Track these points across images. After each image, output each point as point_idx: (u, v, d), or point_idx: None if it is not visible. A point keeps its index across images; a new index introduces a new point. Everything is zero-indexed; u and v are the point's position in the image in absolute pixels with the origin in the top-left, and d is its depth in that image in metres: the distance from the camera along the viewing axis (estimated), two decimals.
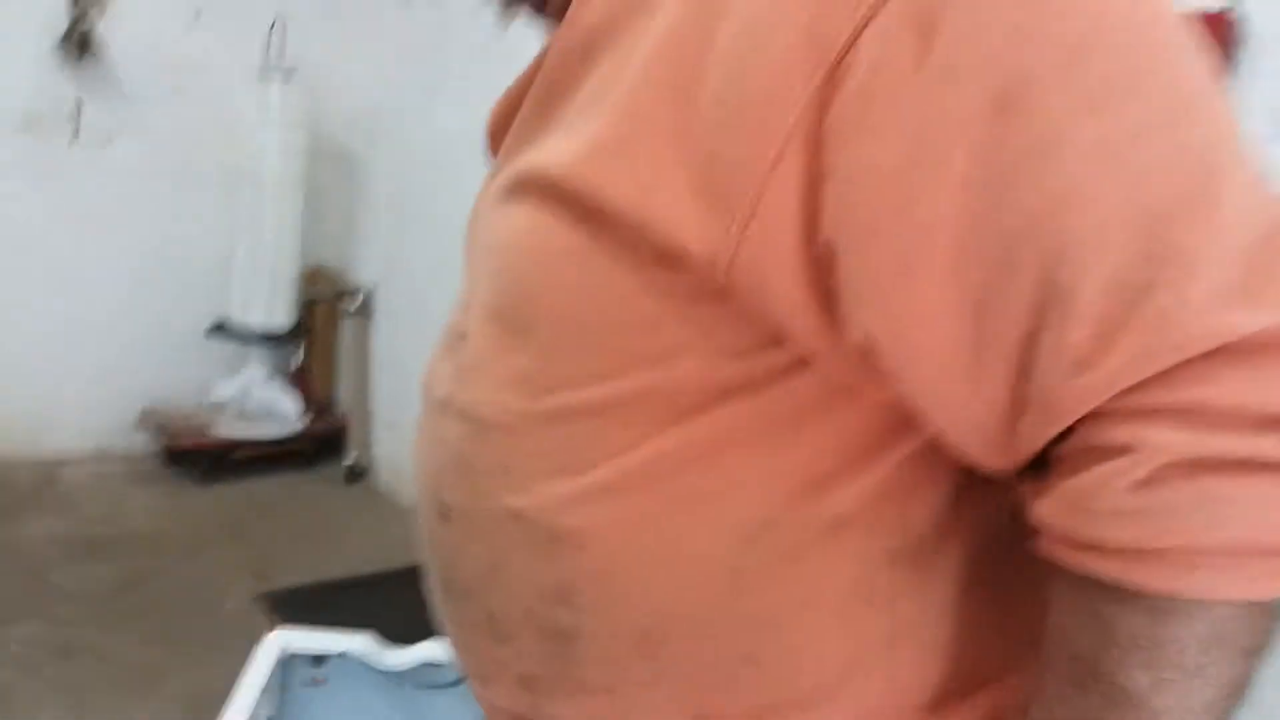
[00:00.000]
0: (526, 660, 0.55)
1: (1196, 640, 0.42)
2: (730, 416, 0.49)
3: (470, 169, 2.21)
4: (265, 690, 1.11)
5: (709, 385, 0.49)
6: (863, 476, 0.50)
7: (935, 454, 0.49)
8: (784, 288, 0.46)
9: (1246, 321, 0.39)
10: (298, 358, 3.48)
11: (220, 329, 3.22)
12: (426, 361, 0.64)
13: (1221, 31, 1.41)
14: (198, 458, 3.16)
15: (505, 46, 2.65)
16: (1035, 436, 0.43)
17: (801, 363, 0.48)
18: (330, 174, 3.35)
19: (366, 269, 3.47)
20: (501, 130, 0.62)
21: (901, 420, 0.49)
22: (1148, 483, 0.40)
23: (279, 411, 3.31)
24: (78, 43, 2.89)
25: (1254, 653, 0.43)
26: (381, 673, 1.17)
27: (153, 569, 2.63)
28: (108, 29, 2.96)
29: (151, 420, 3.22)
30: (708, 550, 0.50)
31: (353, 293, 3.41)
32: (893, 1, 0.42)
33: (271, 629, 1.21)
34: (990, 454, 0.46)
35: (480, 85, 2.56)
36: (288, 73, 3.08)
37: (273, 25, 3.09)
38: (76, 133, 2.98)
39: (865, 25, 0.42)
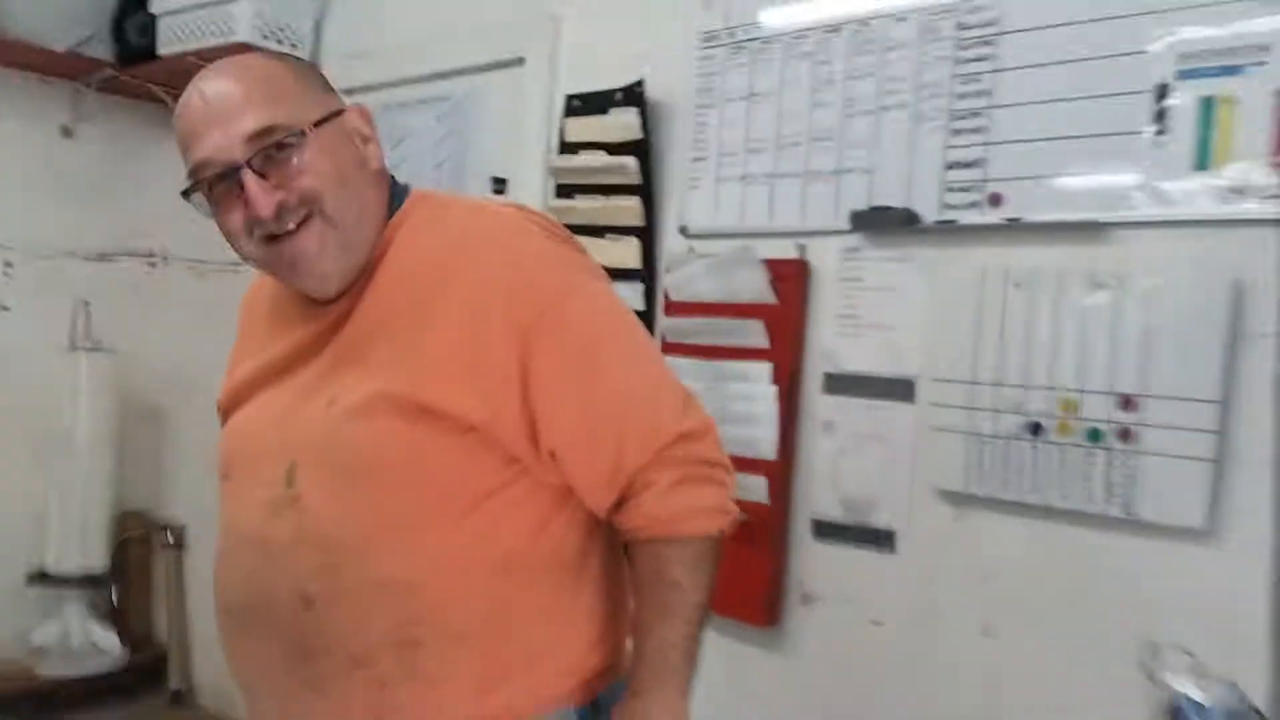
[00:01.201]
0: (384, 668, 1.03)
1: (695, 553, 1.08)
2: (493, 500, 1.06)
3: None
4: None
5: (484, 488, 1.06)
6: (553, 524, 1.08)
7: (578, 507, 1.09)
8: (513, 434, 1.05)
9: (685, 424, 1.05)
10: (114, 596, 3.74)
11: (39, 577, 3.47)
12: (230, 524, 1.16)
13: (796, 274, 2.17)
14: (22, 702, 3.34)
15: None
16: (616, 492, 1.06)
17: (524, 470, 1.07)
18: (140, 427, 3.73)
19: (178, 508, 3.83)
20: (242, 391, 1.17)
21: (563, 493, 1.08)
22: (665, 490, 1.03)
23: (100, 648, 3.55)
24: None
25: (716, 561, 1.08)
26: None
27: None
28: None
29: None
30: (487, 575, 1.06)
31: (164, 529, 3.75)
32: (540, 327, 1.03)
33: None
34: (602, 501, 1.07)
35: None
36: (94, 346, 3.51)
37: (78, 307, 3.54)
38: None
39: (534, 330, 1.04)
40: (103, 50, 3.53)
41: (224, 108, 1.03)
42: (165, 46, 3.26)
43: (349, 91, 3.14)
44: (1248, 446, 1.62)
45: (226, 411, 1.22)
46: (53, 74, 3.53)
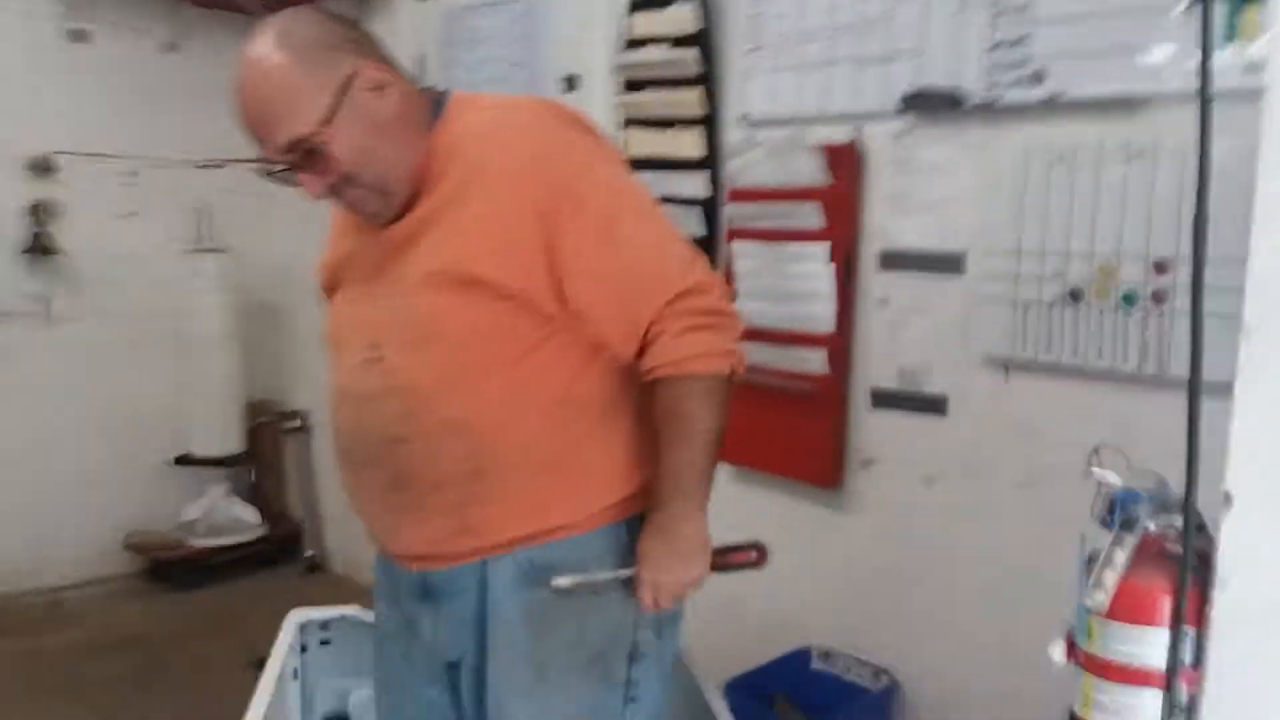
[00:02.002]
0: (456, 493, 1.26)
1: (704, 389, 1.27)
2: (537, 353, 1.27)
3: None
4: (290, 649, 1.82)
5: (527, 343, 1.26)
6: (589, 372, 1.29)
7: (611, 359, 1.29)
8: (545, 298, 1.24)
9: (690, 280, 1.25)
10: (251, 476, 4.17)
11: (184, 460, 3.90)
12: (335, 382, 1.39)
13: (849, 157, 2.29)
14: (178, 569, 3.82)
15: None
16: (636, 341, 1.26)
17: (560, 327, 1.26)
18: (260, 323, 4.09)
19: (300, 397, 4.20)
20: (335, 278, 1.40)
21: (596, 347, 1.28)
22: (675, 336, 1.24)
23: (242, 522, 3.99)
24: (40, 248, 3.61)
25: (725, 396, 1.28)
26: (370, 625, 1.90)
27: (159, 659, 3.27)
28: (62, 233, 3.69)
29: (134, 543, 3.87)
30: (535, 415, 1.27)
31: (291, 415, 4.14)
32: (559, 204, 1.22)
33: None
34: (627, 351, 1.27)
35: None
36: (216, 247, 3.84)
37: (200, 212, 3.87)
38: (48, 318, 3.68)
39: (555, 210, 1.22)
40: None
41: (258, 122, 1.22)
42: None
43: None
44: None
45: (328, 290, 1.45)
46: None
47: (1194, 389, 0.87)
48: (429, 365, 1.25)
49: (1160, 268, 1.84)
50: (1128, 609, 0.88)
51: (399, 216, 1.29)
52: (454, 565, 1.31)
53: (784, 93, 2.37)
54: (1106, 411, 1.94)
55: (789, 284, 2.37)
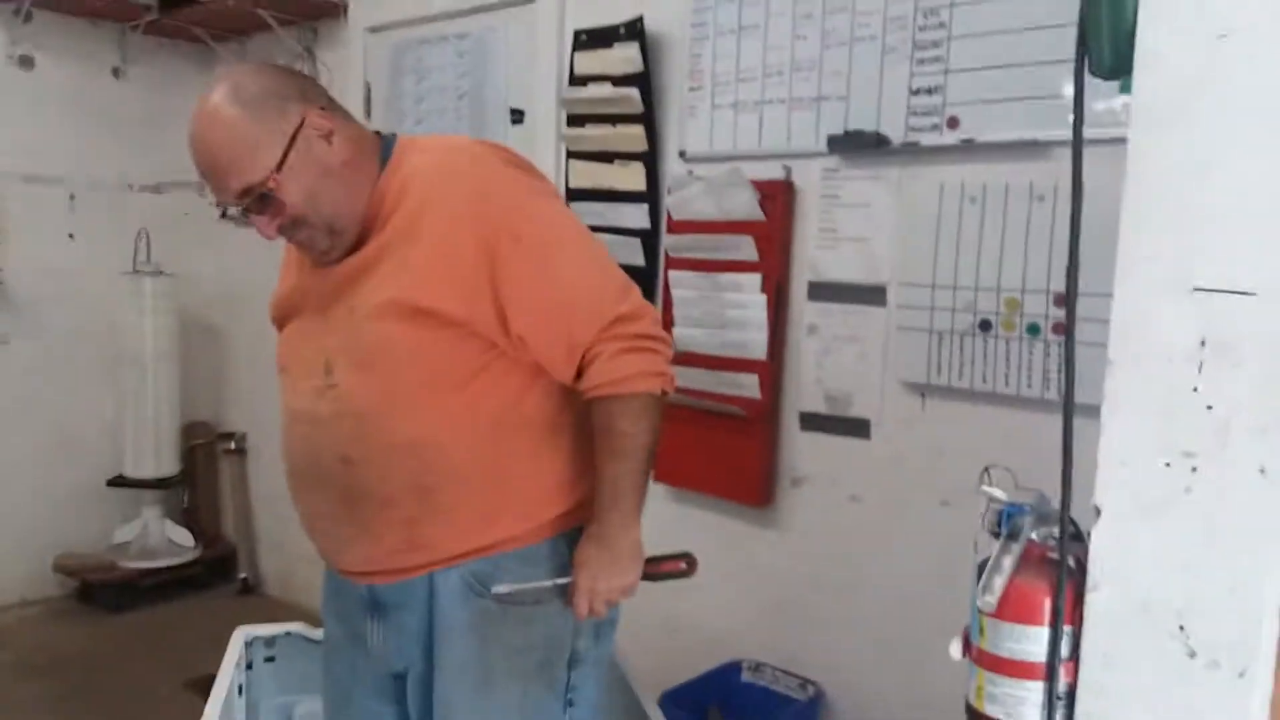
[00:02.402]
0: (405, 510, 1.34)
1: (639, 407, 1.37)
2: (481, 377, 1.34)
3: None
4: (236, 666, 1.86)
5: (472, 367, 1.33)
6: (531, 393, 1.38)
7: (551, 381, 1.38)
8: (488, 326, 1.32)
9: (623, 307, 1.34)
10: (185, 498, 4.15)
11: (118, 481, 3.88)
12: (288, 406, 1.46)
13: (782, 193, 2.42)
14: (109, 591, 3.78)
15: None
16: (574, 365, 1.35)
17: (502, 353, 1.34)
18: (198, 345, 4.08)
19: (238, 418, 4.20)
20: (287, 310, 1.47)
21: (537, 369, 1.37)
22: (610, 358, 1.33)
23: (175, 545, 3.97)
24: None
25: (657, 414, 1.39)
26: (316, 643, 1.94)
27: (90, 680, 3.25)
28: (2, 255, 3.66)
29: (64, 565, 3.82)
30: (480, 434, 1.35)
31: (228, 436, 4.13)
32: (500, 238, 1.31)
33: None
34: (566, 374, 1.36)
35: None
36: (156, 270, 3.84)
37: (139, 235, 3.86)
38: None
39: (496, 243, 1.31)
40: None
41: (213, 170, 1.31)
42: None
43: (377, 29, 3.41)
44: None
45: (279, 322, 1.51)
46: (102, 17, 3.77)
47: (1068, 414, 1.00)
48: (379, 389, 1.33)
49: (1060, 301, 1.99)
50: (1013, 610, 0.99)
51: (349, 253, 1.37)
52: (402, 579, 1.39)
53: (720, 131, 2.50)
54: (1013, 433, 2.08)
55: (724, 312, 2.49)
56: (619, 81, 2.63)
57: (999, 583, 0.99)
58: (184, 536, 4.00)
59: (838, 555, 2.43)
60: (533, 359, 1.36)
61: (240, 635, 1.93)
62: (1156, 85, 0.92)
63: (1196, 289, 0.89)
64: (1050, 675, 0.98)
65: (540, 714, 1.40)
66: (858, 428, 2.37)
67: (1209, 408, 0.88)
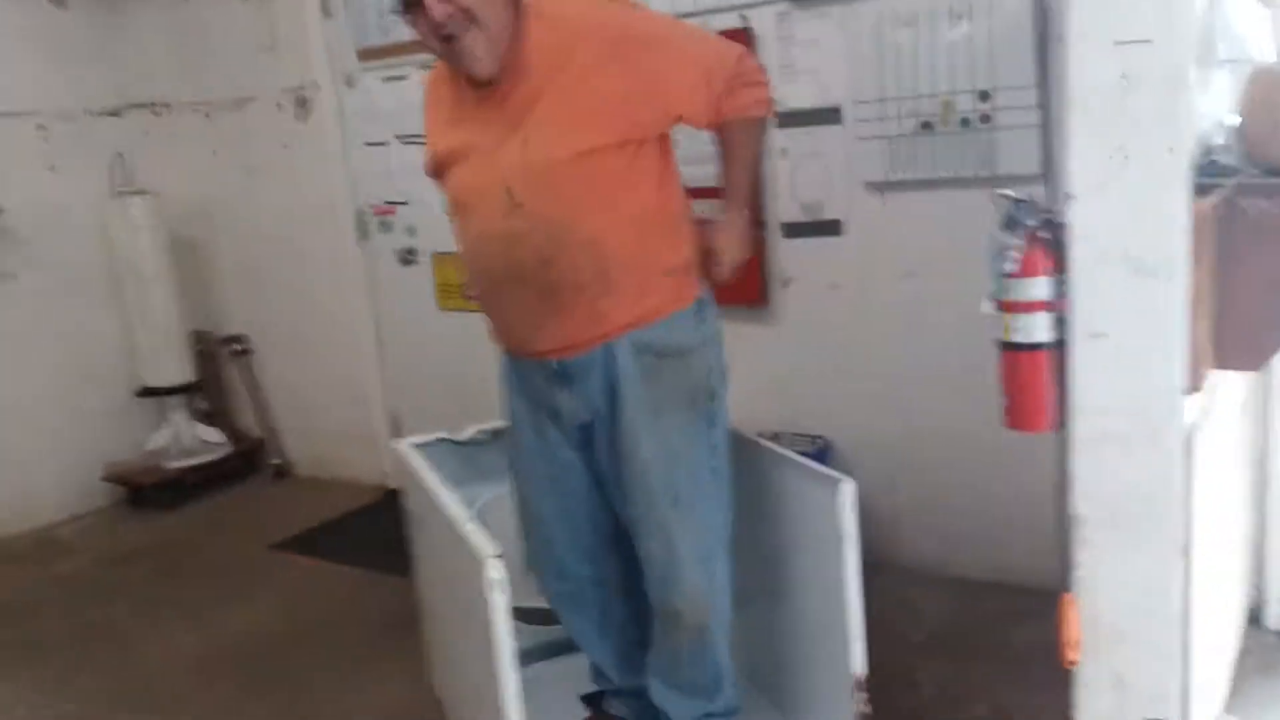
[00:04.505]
0: (591, 290, 1.81)
1: (758, 128, 1.96)
2: (635, 183, 1.82)
3: (293, 230, 4.11)
4: (428, 468, 2.33)
5: (624, 177, 1.80)
6: (666, 192, 1.88)
7: (675, 187, 1.92)
8: (644, 122, 1.80)
9: (734, 54, 1.87)
10: (202, 400, 4.48)
11: (146, 391, 4.20)
12: (478, 231, 1.90)
13: (742, 39, 2.89)
14: (158, 492, 4.15)
15: (296, 140, 4.13)
16: (715, 107, 1.87)
17: (645, 163, 1.84)
18: (183, 258, 4.34)
19: (235, 322, 4.52)
20: (452, 159, 1.90)
21: (667, 177, 1.89)
22: (734, 93, 1.86)
23: (208, 443, 4.34)
24: None
25: (764, 129, 2.02)
26: (461, 444, 2.42)
27: (179, 560, 3.66)
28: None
29: (115, 474, 4.17)
30: (635, 227, 1.83)
31: (232, 339, 4.46)
32: (632, 48, 1.79)
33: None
34: (706, 116, 1.87)
35: (281, 170, 3.91)
36: (139, 190, 4.08)
37: (113, 158, 4.09)
38: None
39: (629, 49, 1.78)
40: None
41: None
42: None
43: None
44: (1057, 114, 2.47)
45: (440, 168, 1.95)
46: None
47: (1048, 138, 1.56)
48: (561, 204, 1.79)
49: (984, 97, 2.58)
50: (1026, 269, 1.57)
51: (504, 90, 1.80)
52: (586, 350, 1.88)
53: None
54: (959, 207, 2.68)
55: (703, 147, 2.99)
56: None
57: (1016, 254, 1.57)
58: (214, 434, 4.36)
59: (826, 335, 3.03)
60: (666, 164, 1.86)
61: (405, 444, 2.39)
62: None
63: (1117, 42, 1.44)
64: (1052, 306, 1.58)
65: (693, 429, 1.93)
66: (831, 228, 2.94)
67: (1131, 115, 1.46)
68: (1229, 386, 1.99)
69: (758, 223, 2.07)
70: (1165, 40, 1.44)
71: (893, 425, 2.97)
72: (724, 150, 1.95)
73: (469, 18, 1.74)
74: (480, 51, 1.77)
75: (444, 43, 1.78)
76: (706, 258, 1.93)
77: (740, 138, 1.93)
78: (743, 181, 1.97)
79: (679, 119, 1.86)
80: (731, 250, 1.94)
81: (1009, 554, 2.78)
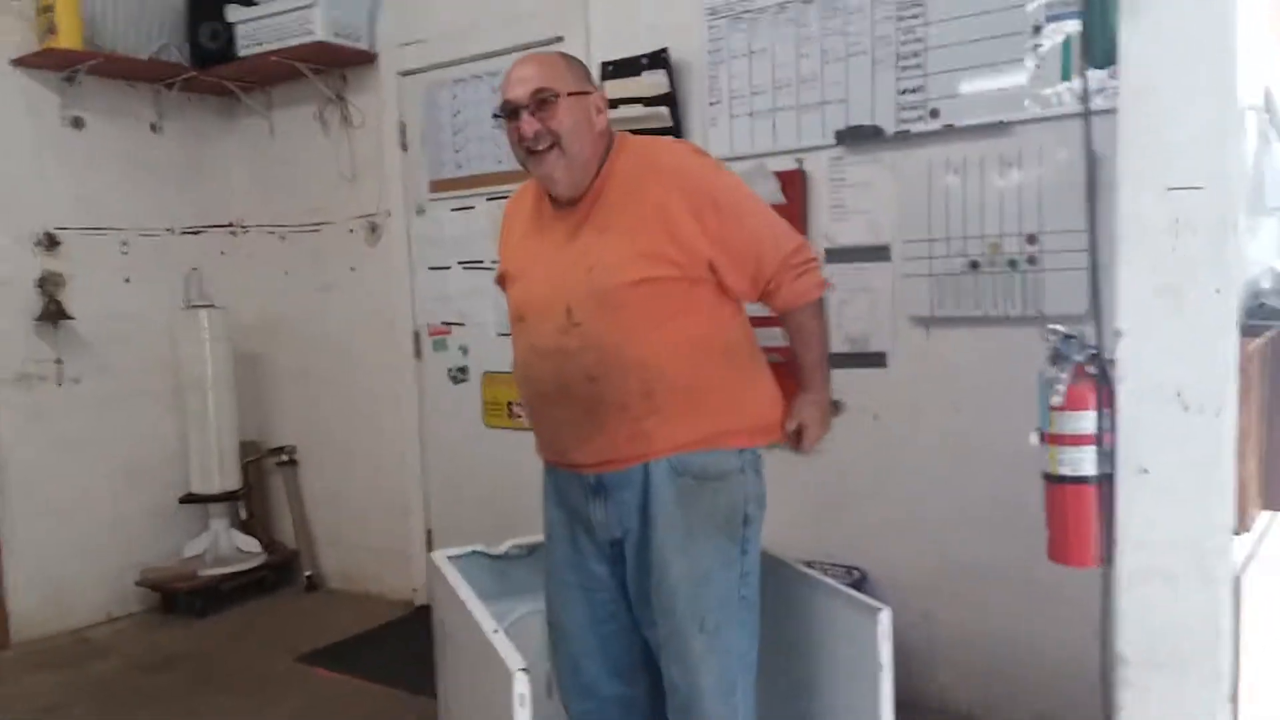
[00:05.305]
0: (634, 411, 1.85)
1: (817, 309, 2.00)
2: (689, 310, 1.87)
3: (352, 347, 4.27)
4: (461, 581, 2.33)
5: (682, 306, 1.86)
6: (719, 327, 1.92)
7: (734, 318, 1.96)
8: (699, 268, 1.86)
9: (791, 244, 1.94)
10: (242, 510, 4.53)
11: (189, 498, 4.26)
12: (532, 345, 1.95)
13: (797, 179, 3.01)
14: (191, 598, 4.15)
15: (365, 262, 4.30)
16: (759, 288, 1.93)
17: (702, 295, 1.88)
18: (242, 370, 4.48)
19: (284, 434, 4.61)
20: (519, 271, 2.00)
21: (724, 308, 1.93)
22: (793, 280, 1.93)
23: (244, 552, 4.36)
24: (51, 315, 3.94)
25: (823, 308, 2.03)
26: (495, 558, 2.41)
27: (207, 669, 3.63)
28: (67, 301, 4.02)
29: (150, 579, 4.19)
30: (686, 354, 1.87)
31: (279, 450, 4.54)
32: (704, 204, 1.86)
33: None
34: (752, 295, 1.94)
35: (347, 290, 4.08)
36: (208, 303, 4.25)
37: (189, 273, 4.28)
38: (59, 380, 4.00)
39: (701, 206, 1.86)
40: (176, 56, 4.18)
41: (525, 74, 1.85)
42: (246, 49, 3.94)
43: (408, 73, 3.91)
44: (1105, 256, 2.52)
45: (506, 279, 2.03)
46: (139, 79, 4.19)
47: (1094, 275, 1.60)
48: (616, 327, 1.84)
49: (1031, 240, 2.64)
50: (1073, 402, 1.58)
51: (579, 217, 1.89)
52: (625, 467, 1.90)
53: (739, 135, 3.09)
54: (1002, 344, 2.71)
55: None
56: (649, 102, 3.20)
57: (1063, 387, 1.59)
58: (250, 544, 4.39)
59: (866, 465, 3.03)
60: (728, 290, 1.90)
61: (440, 556, 2.39)
62: (1133, 71, 1.52)
63: (1169, 188, 1.49)
64: (1099, 440, 1.58)
65: (725, 555, 1.92)
66: (876, 359, 2.98)
67: (1182, 257, 1.49)
68: None
69: (834, 402, 2.11)
70: (1216, 187, 1.49)
71: (930, 560, 2.92)
72: (794, 336, 2.02)
73: (555, 139, 1.86)
74: (559, 174, 1.89)
75: (529, 154, 1.90)
76: (793, 435, 2.00)
77: (806, 322, 2.00)
78: (816, 362, 2.03)
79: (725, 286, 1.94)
80: (814, 427, 2.00)
81: (1048, 699, 2.67)
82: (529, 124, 1.85)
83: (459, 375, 4.00)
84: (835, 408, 2.13)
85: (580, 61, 1.97)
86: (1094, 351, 1.61)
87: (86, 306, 4.08)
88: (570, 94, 1.86)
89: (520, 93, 1.85)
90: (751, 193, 1.99)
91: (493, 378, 3.85)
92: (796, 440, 2.00)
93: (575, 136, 1.86)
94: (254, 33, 3.89)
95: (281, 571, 4.48)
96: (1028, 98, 2.60)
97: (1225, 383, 1.49)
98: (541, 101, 1.84)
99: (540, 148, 1.87)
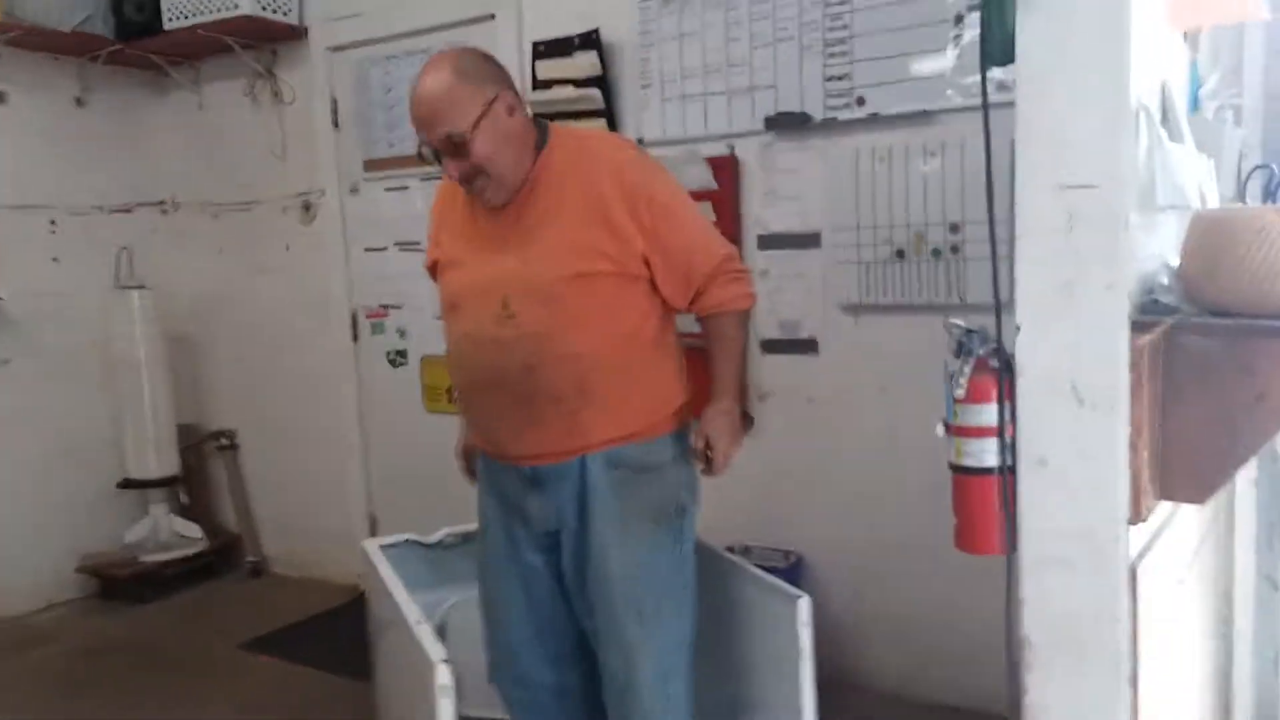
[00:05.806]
0: (569, 404, 1.86)
1: (739, 319, 2.00)
2: (622, 304, 1.88)
3: (290, 328, 4.23)
4: (390, 567, 2.34)
5: (616, 297, 1.88)
6: (651, 318, 1.94)
7: (662, 312, 1.96)
8: (634, 264, 1.87)
9: (724, 250, 1.96)
10: (181, 495, 4.48)
11: (128, 483, 4.21)
12: (466, 333, 1.95)
13: (729, 165, 3.02)
14: (131, 585, 4.11)
15: (299, 242, 4.24)
16: (690, 291, 1.94)
17: (634, 289, 1.90)
18: (177, 352, 4.42)
19: (223, 417, 4.56)
20: (451, 260, 1.99)
21: (654, 303, 1.94)
22: (722, 286, 1.94)
23: (185, 537, 4.32)
24: None
25: (748, 320, 2.05)
26: (428, 546, 2.43)
27: (150, 655, 3.61)
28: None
29: (89, 565, 4.14)
30: (620, 347, 1.89)
31: (219, 434, 4.50)
32: (639, 200, 1.87)
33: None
34: (682, 300, 1.95)
35: (282, 270, 4.03)
36: (138, 284, 4.18)
37: (119, 253, 4.20)
38: None
39: (636, 203, 1.86)
40: (101, 28, 4.07)
41: (427, 119, 1.80)
42: (172, 22, 3.85)
43: (339, 48, 3.86)
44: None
45: (437, 267, 2.03)
46: (62, 52, 4.07)
47: (995, 272, 1.63)
48: (552, 317, 1.85)
49: (955, 229, 2.68)
50: (975, 395, 1.63)
51: (515, 209, 1.89)
52: (562, 460, 1.92)
53: (671, 119, 3.09)
54: (926, 331, 2.75)
55: None
56: (580, 84, 3.19)
57: (964, 380, 1.63)
58: (192, 529, 4.34)
59: (801, 448, 3.07)
60: (654, 296, 1.92)
61: (372, 544, 2.41)
62: (1029, 71, 1.55)
63: (1064, 186, 1.53)
64: (1000, 432, 1.62)
65: (661, 546, 1.95)
66: (808, 346, 3.02)
67: (1075, 253, 1.53)
68: (1186, 518, 2.02)
69: (745, 415, 2.10)
70: (1109, 185, 1.53)
71: (862, 541, 2.98)
72: (714, 343, 2.00)
73: (479, 171, 1.86)
74: (491, 193, 1.90)
75: (463, 183, 1.91)
76: (701, 449, 1.96)
77: (726, 330, 1.99)
78: (731, 373, 2.01)
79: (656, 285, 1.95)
80: (723, 440, 1.96)
81: (972, 678, 2.75)
82: (453, 168, 1.86)
83: (398, 359, 3.99)
84: (748, 421, 2.12)
85: (475, 56, 1.89)
86: (995, 345, 1.65)
87: (14, 286, 3.99)
88: (476, 122, 1.81)
89: (430, 137, 1.84)
90: (688, 198, 2.01)
91: (432, 361, 3.83)
92: (706, 460, 1.97)
93: (498, 159, 1.86)
94: (180, 5, 3.80)
95: (225, 557, 4.45)
96: (950, 87, 2.63)
97: (1118, 377, 1.54)
98: (455, 145, 1.83)
99: (476, 182, 1.88)
